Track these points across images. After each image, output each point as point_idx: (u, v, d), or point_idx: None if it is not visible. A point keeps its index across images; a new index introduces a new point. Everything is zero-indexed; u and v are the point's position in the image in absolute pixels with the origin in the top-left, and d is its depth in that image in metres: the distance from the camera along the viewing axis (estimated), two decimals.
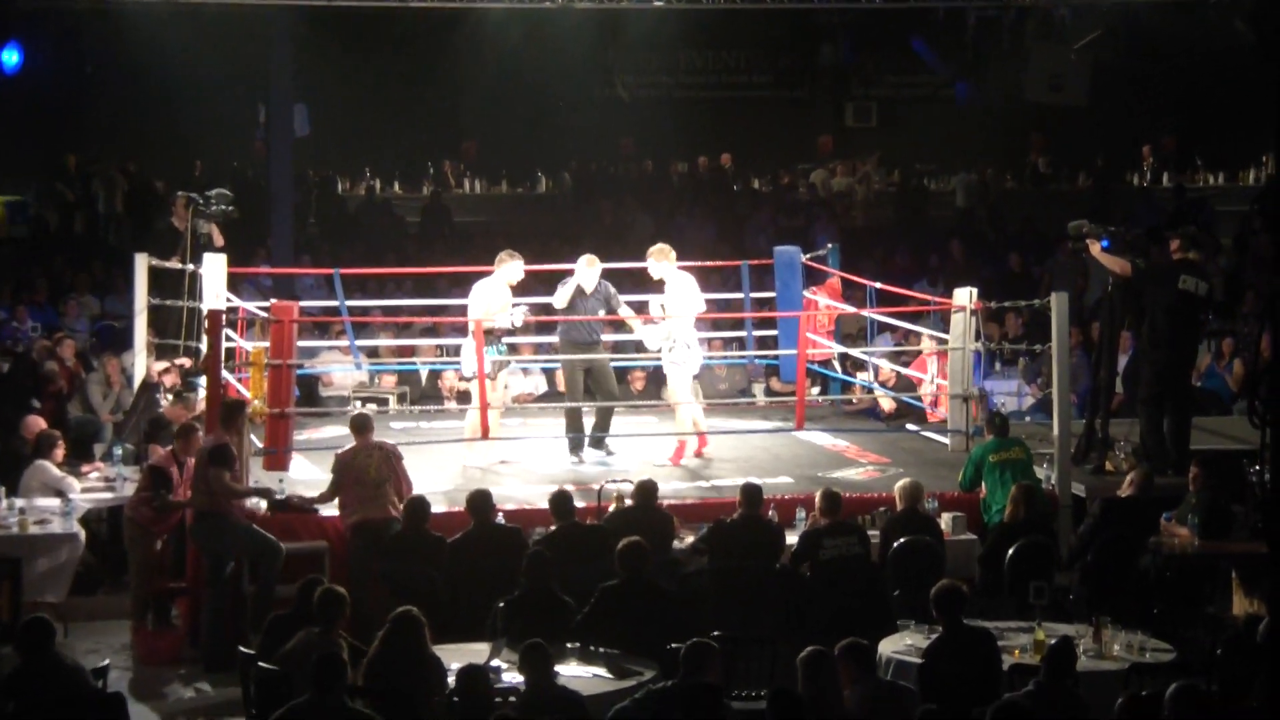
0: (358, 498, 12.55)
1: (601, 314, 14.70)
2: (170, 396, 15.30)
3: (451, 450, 14.72)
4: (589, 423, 14.96)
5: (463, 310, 15.08)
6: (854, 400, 17.32)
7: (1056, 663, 8.97)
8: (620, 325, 15.29)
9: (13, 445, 15.03)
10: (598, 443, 14.86)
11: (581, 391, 14.80)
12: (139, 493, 13.09)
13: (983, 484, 13.30)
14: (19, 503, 13.67)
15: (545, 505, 12.63)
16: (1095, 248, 14.36)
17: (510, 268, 14.69)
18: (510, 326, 14.59)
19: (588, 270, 14.74)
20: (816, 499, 12.20)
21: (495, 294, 14.58)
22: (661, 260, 14.72)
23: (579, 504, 12.45)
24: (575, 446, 14.82)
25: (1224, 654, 9.72)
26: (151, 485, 12.89)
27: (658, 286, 14.87)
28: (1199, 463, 13.03)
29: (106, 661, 10.70)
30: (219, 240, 15.98)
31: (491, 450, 14.67)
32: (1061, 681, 8.90)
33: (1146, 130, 26.90)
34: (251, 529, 12.49)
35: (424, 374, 18.03)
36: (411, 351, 18.51)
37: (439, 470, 14.17)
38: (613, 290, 14.79)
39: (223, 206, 16.38)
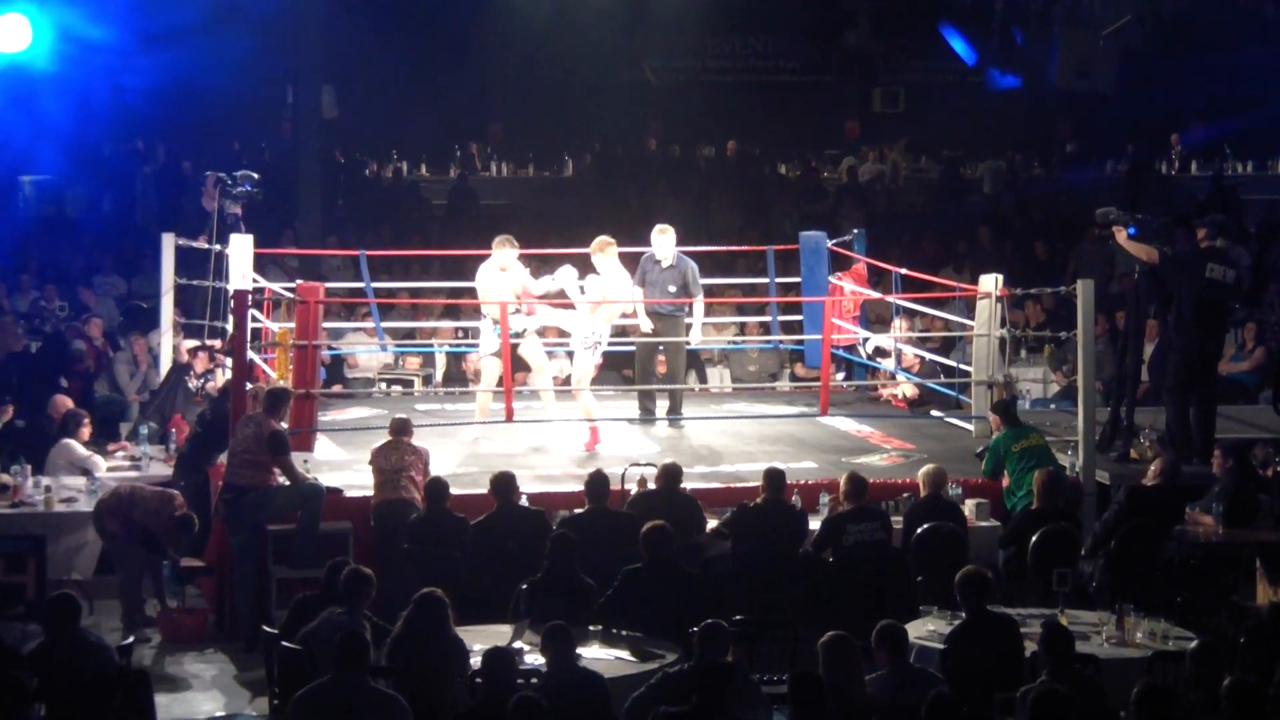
0: (378, 483, 12.62)
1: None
2: (198, 379, 15.35)
3: (473, 432, 14.75)
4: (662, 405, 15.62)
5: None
6: (879, 387, 17.31)
7: (1052, 648, 8.96)
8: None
9: (39, 424, 15.12)
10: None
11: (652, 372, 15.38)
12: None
13: (1005, 473, 13.28)
14: (45, 481, 13.74)
15: (567, 489, 12.69)
16: (1121, 235, 14.33)
17: (504, 254, 14.75)
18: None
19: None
20: (841, 483, 12.18)
21: (490, 278, 14.69)
22: (602, 252, 14.76)
23: None
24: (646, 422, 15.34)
25: (1247, 642, 9.72)
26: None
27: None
28: (1223, 451, 13.02)
29: (131, 639, 10.78)
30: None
31: (515, 432, 14.69)
32: (1069, 665, 8.89)
33: (1175, 118, 26.81)
34: (289, 486, 12.61)
35: (440, 357, 18.04)
36: (445, 334, 18.55)
37: (461, 451, 14.18)
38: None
39: (248, 188, 16.44)
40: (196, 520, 12.81)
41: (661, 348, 15.59)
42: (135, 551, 12.78)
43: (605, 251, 14.74)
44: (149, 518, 12.72)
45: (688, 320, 15.46)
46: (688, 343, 15.60)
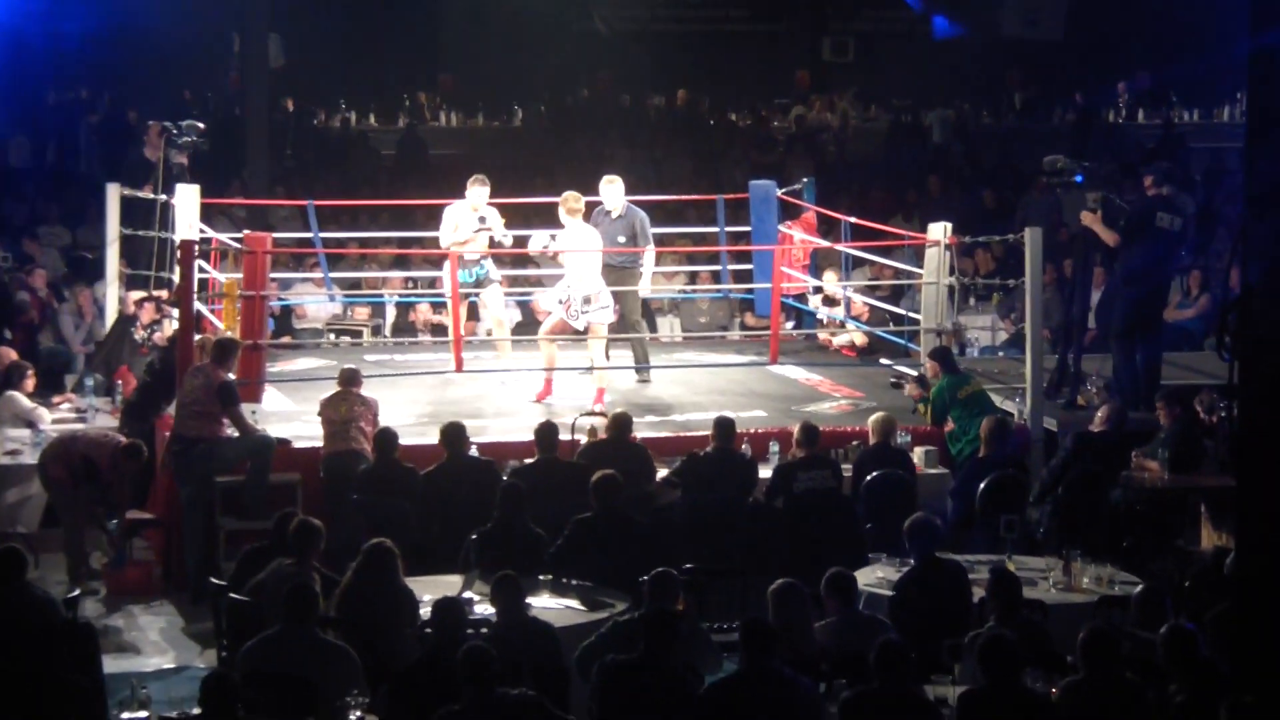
0: (327, 434, 12.59)
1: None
2: (145, 330, 15.25)
3: (424, 382, 14.72)
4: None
5: (436, 243, 15.03)
6: (828, 336, 17.33)
7: (1000, 594, 9.01)
8: None
9: None
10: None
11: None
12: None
13: (949, 419, 13.33)
14: None
15: (517, 439, 12.69)
16: (1088, 217, 14.32)
17: (475, 192, 14.68)
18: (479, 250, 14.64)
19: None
20: (795, 432, 12.22)
21: (462, 217, 14.59)
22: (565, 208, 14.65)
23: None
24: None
25: (1192, 586, 9.81)
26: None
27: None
28: (1165, 400, 13.07)
29: (77, 591, 10.74)
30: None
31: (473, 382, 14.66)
32: (1016, 611, 8.94)
33: (1122, 66, 26.86)
34: (238, 437, 12.58)
35: (389, 307, 17.99)
36: (393, 284, 18.48)
37: (412, 403, 14.15)
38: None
39: (193, 138, 16.31)
40: (144, 447, 12.73)
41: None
42: (78, 499, 12.69)
43: (567, 207, 14.53)
44: (90, 447, 12.64)
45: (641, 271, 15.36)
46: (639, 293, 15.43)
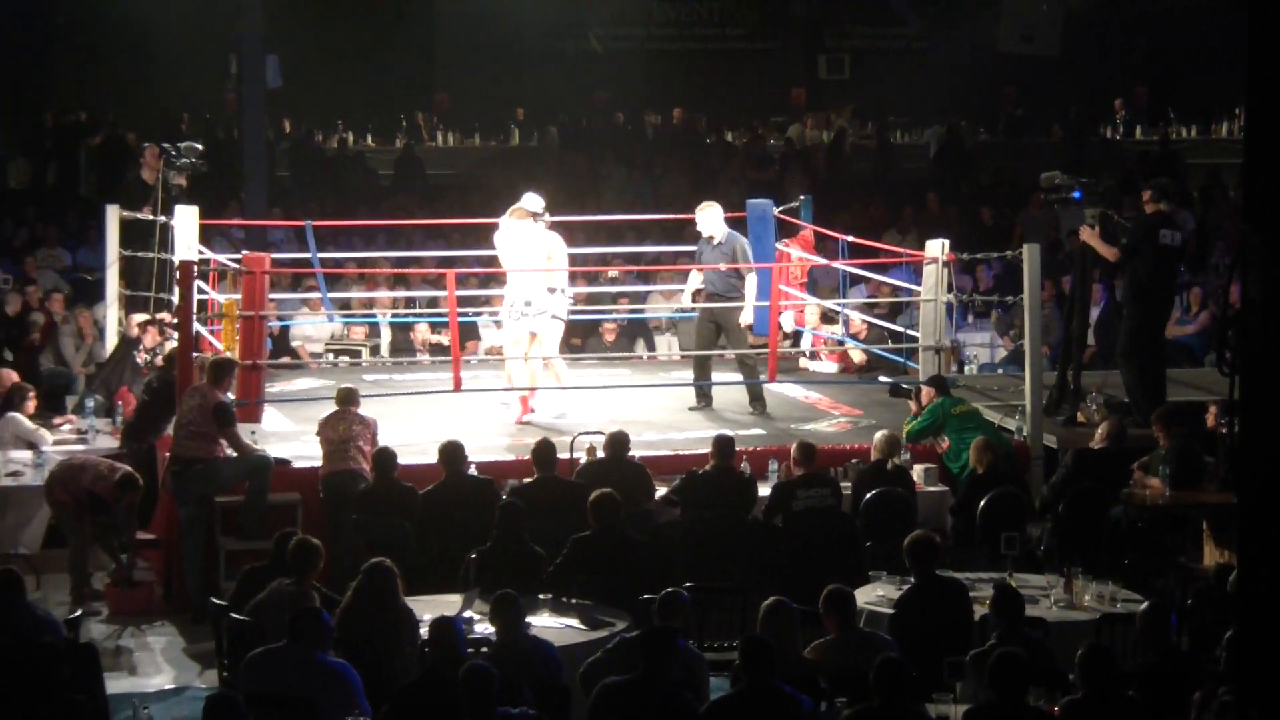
0: (326, 454, 12.60)
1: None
2: (148, 353, 15.25)
3: (423, 402, 14.70)
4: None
5: (435, 263, 15.03)
6: (821, 357, 17.36)
7: (1003, 610, 9.01)
8: None
9: None
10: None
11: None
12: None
13: (944, 437, 13.35)
14: None
15: (516, 458, 12.69)
16: (1086, 233, 14.33)
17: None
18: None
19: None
20: (792, 450, 12.21)
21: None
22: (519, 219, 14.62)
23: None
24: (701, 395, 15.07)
25: (1194, 604, 9.79)
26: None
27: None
28: (1160, 418, 13.02)
29: (79, 612, 10.74)
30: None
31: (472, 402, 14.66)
32: (1018, 628, 8.94)
33: (1119, 82, 26.93)
34: (235, 457, 12.56)
35: (385, 327, 17.98)
36: (384, 303, 18.48)
37: (411, 422, 14.14)
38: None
39: (191, 159, 16.33)
40: (139, 479, 12.74)
41: (722, 334, 15.02)
42: (83, 522, 12.71)
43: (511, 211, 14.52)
44: (96, 481, 12.67)
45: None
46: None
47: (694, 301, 15.25)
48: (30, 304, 17.56)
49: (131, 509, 12.76)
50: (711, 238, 14.87)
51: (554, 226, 14.75)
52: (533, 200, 14.60)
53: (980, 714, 7.80)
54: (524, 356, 14.40)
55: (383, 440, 12.64)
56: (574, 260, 15.43)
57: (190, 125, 23.79)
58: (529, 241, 14.38)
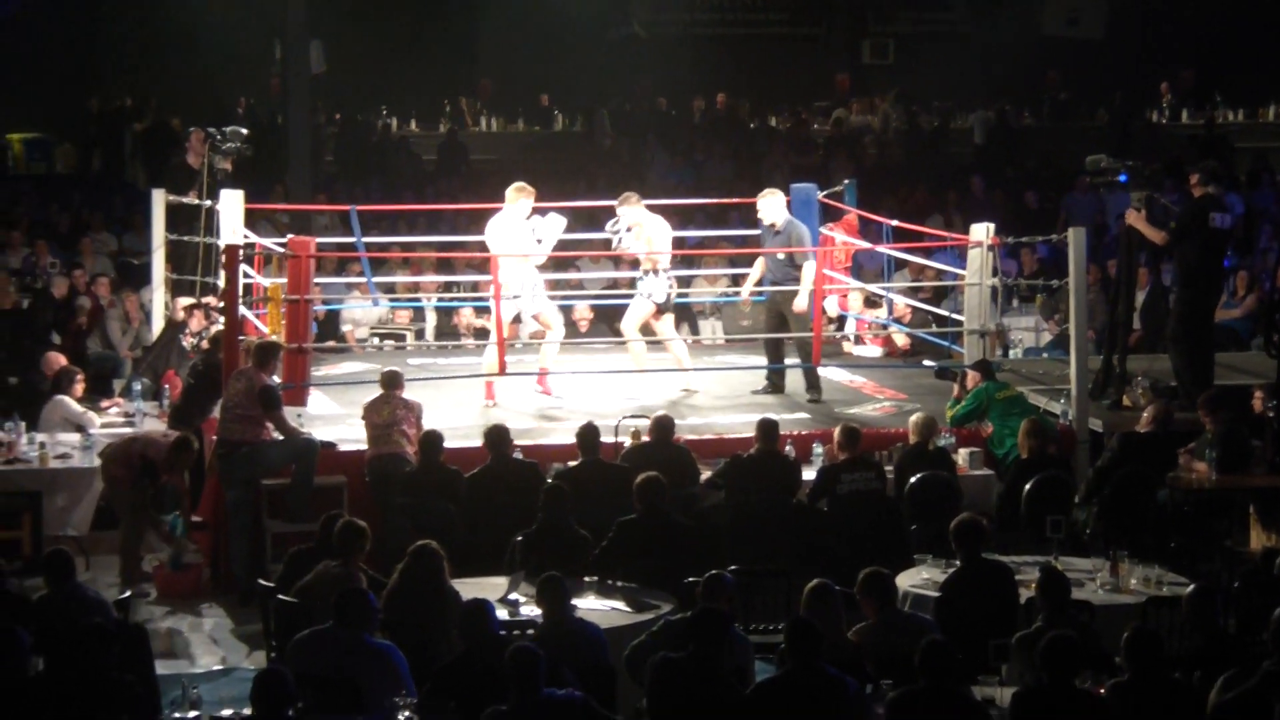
0: (370, 437, 12.67)
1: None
2: (194, 337, 15.32)
3: (467, 385, 14.74)
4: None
5: (481, 246, 15.02)
6: (865, 341, 17.35)
7: (1049, 593, 8.99)
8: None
9: (33, 380, 15.12)
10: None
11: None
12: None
13: (988, 422, 13.34)
14: (40, 437, 13.74)
15: (561, 441, 12.71)
16: (1133, 216, 14.29)
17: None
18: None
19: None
20: (836, 434, 12.21)
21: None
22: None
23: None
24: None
25: (1241, 587, 9.76)
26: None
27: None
28: (1205, 403, 12.98)
29: (128, 593, 10.79)
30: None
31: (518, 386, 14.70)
32: (1065, 611, 8.93)
33: (1165, 65, 26.79)
34: (281, 441, 12.61)
35: (430, 311, 18.02)
36: (428, 287, 18.53)
37: (455, 406, 14.18)
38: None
39: (237, 144, 16.40)
40: (193, 439, 12.80)
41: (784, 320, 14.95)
42: (138, 496, 12.78)
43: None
44: (148, 446, 12.76)
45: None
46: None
47: (753, 289, 15.17)
48: (77, 288, 17.65)
49: (180, 471, 12.83)
50: (773, 225, 14.86)
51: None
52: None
53: (1030, 696, 7.79)
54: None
55: (427, 424, 12.69)
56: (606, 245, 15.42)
57: (236, 111, 23.85)
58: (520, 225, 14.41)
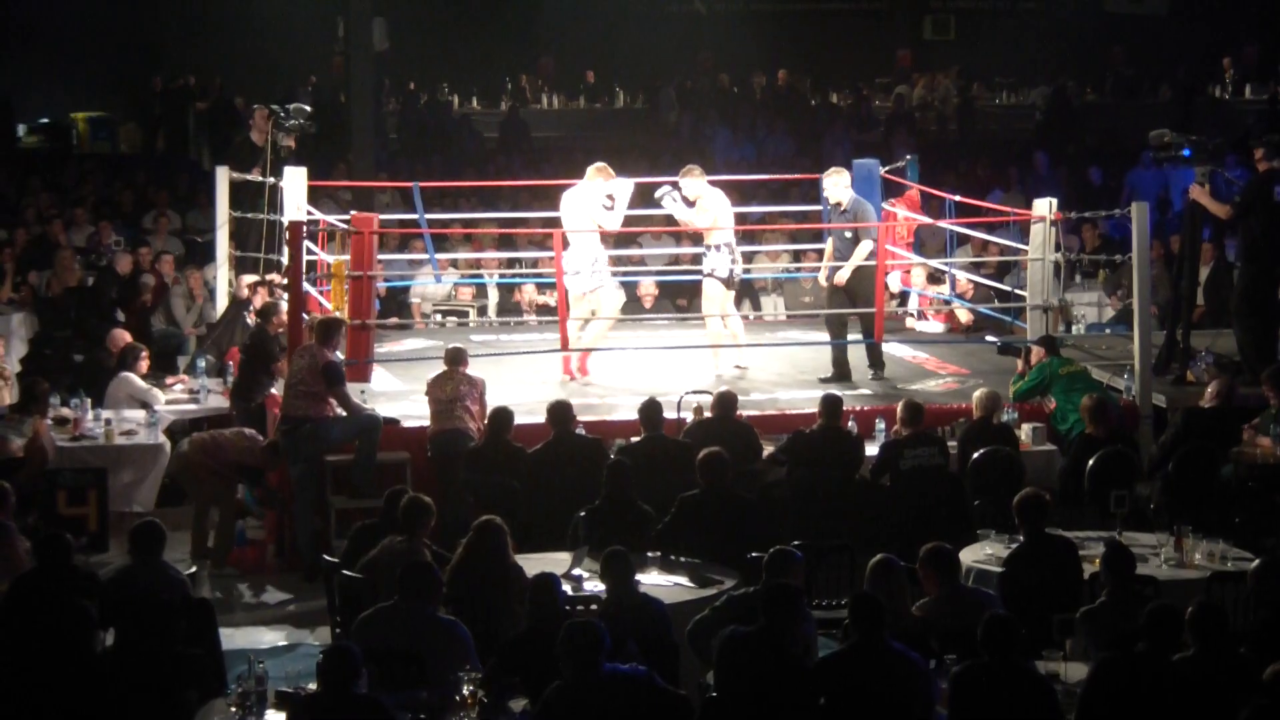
0: (434, 413, 12.71)
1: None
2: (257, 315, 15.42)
3: (530, 362, 14.79)
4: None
5: (541, 224, 15.07)
6: (927, 316, 17.32)
7: (1115, 568, 8.96)
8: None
9: (98, 358, 15.23)
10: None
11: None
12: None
13: (1051, 398, 13.31)
14: (105, 414, 13.85)
15: (624, 418, 12.74)
16: (1196, 191, 14.21)
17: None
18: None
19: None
20: (898, 409, 12.20)
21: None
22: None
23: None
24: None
25: None
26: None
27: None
28: (1270, 376, 12.92)
29: (194, 569, 10.88)
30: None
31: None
32: (1130, 586, 8.90)
33: (1228, 41, 26.59)
34: (345, 416, 12.67)
35: (492, 288, 18.06)
36: (490, 264, 18.57)
37: (518, 383, 14.22)
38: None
39: (300, 121, 16.48)
40: (280, 446, 12.92)
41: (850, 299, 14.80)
42: (211, 483, 12.88)
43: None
44: (243, 455, 12.85)
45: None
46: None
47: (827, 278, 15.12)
48: (141, 265, 17.77)
49: (279, 467, 12.95)
50: (839, 204, 14.79)
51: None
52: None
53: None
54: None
55: (490, 400, 12.73)
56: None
57: (300, 89, 23.94)
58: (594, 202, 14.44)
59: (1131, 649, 7.83)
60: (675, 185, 14.65)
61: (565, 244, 14.33)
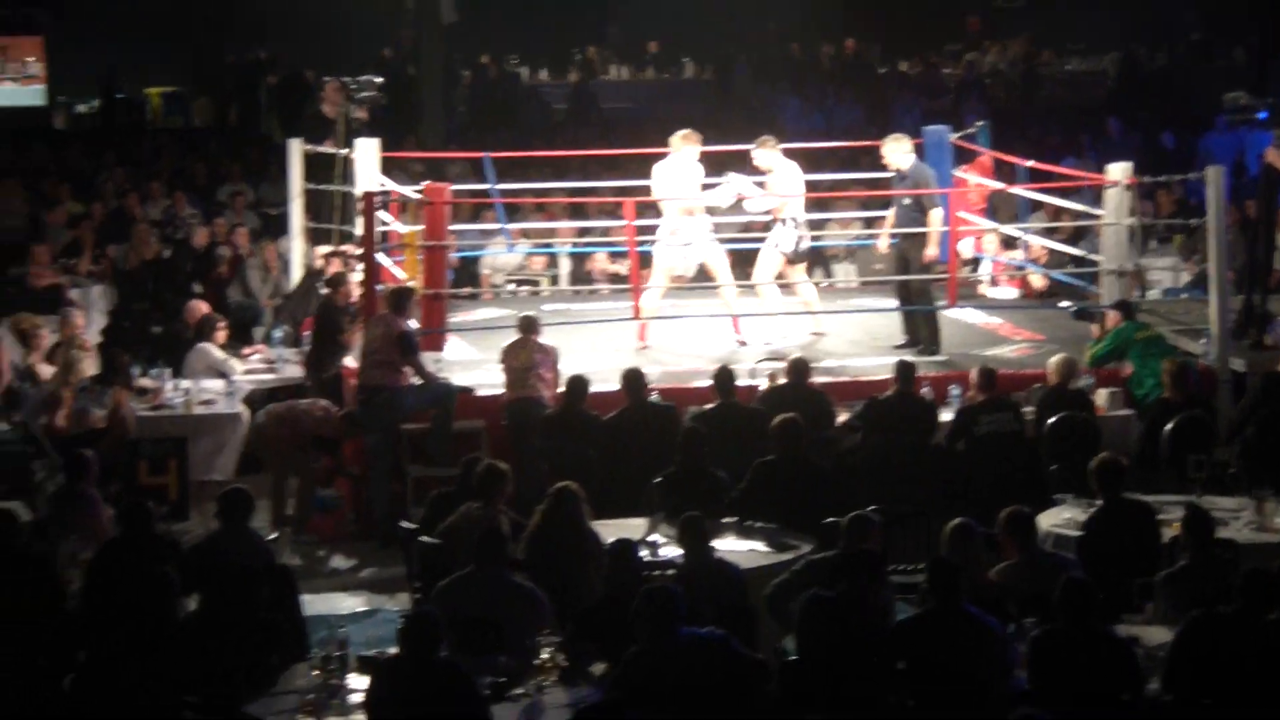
0: (508, 381, 12.76)
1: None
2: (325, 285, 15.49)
3: (602, 330, 14.82)
4: None
5: (611, 194, 15.09)
6: (1001, 282, 17.25)
7: (1195, 531, 8.92)
8: None
9: (175, 329, 15.36)
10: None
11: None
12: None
13: (1127, 362, 13.24)
14: (184, 384, 13.96)
15: (698, 385, 12.75)
16: (1273, 154, 14.09)
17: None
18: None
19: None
20: (973, 375, 12.19)
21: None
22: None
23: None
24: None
25: None
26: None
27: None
28: None
29: (275, 535, 10.98)
30: None
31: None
32: (1209, 549, 8.86)
33: None
34: (420, 385, 12.75)
35: (564, 258, 18.10)
36: (563, 234, 18.59)
37: (591, 351, 14.25)
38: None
39: (371, 93, 16.55)
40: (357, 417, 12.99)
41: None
42: (289, 453, 12.97)
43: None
44: (321, 426, 12.93)
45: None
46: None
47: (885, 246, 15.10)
48: (217, 238, 17.89)
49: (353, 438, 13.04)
50: (899, 170, 14.73)
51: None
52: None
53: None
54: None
55: (563, 369, 12.76)
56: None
57: (373, 61, 24.01)
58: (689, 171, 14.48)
59: (1216, 611, 7.81)
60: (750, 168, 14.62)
61: (660, 214, 14.35)
